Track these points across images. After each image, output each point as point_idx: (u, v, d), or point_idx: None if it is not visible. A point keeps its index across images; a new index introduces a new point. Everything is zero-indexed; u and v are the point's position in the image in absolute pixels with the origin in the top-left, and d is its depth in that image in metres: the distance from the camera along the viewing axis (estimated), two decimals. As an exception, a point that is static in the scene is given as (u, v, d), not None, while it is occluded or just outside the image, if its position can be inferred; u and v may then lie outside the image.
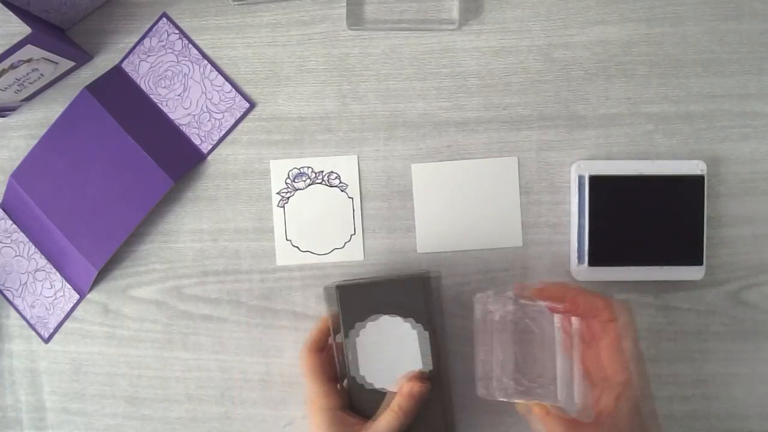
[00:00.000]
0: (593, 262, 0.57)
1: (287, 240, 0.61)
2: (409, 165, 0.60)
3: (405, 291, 0.50)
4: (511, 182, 0.59)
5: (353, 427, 0.48)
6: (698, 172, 0.57)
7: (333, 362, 0.52)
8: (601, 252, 0.57)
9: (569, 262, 0.58)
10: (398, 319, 0.50)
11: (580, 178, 0.57)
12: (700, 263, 0.57)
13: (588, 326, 0.48)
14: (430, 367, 0.50)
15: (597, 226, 0.57)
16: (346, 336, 0.50)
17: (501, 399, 0.48)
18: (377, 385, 0.50)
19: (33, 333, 0.62)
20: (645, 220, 0.56)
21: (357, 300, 0.50)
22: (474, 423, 0.59)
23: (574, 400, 0.47)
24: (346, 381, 0.50)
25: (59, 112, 0.60)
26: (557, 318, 0.49)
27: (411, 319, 0.50)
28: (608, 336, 0.46)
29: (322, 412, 0.49)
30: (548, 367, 0.48)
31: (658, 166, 0.57)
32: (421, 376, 0.49)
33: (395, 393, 0.49)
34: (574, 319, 0.48)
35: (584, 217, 0.57)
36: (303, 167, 0.61)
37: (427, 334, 0.50)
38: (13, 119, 0.63)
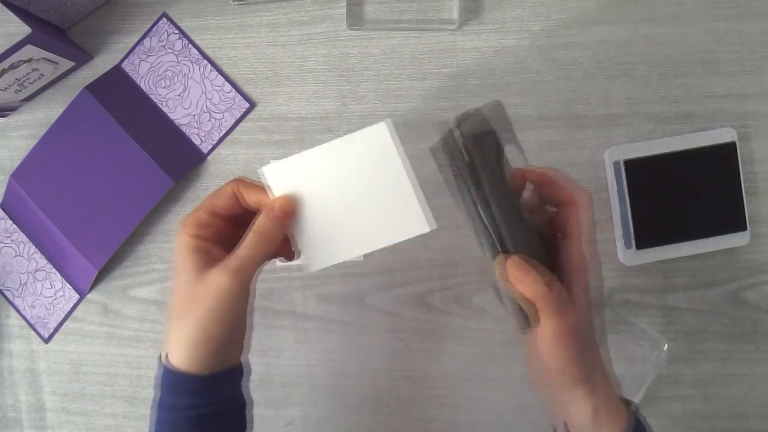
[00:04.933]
0: (640, 245, 0.57)
1: (287, 240, 0.60)
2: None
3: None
4: (390, 153, 0.47)
5: (215, 255, 0.42)
6: (728, 140, 0.57)
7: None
8: (646, 234, 0.57)
9: (616, 250, 0.58)
10: None
11: (615, 165, 0.57)
12: (744, 228, 0.57)
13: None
14: None
15: (639, 209, 0.57)
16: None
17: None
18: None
19: (33, 333, 0.62)
20: (684, 195, 0.57)
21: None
22: (474, 423, 0.59)
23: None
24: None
25: (59, 112, 0.60)
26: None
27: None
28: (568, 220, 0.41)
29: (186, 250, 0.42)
30: None
31: (688, 140, 0.57)
32: (284, 201, 0.43)
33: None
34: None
35: (625, 202, 0.57)
36: (303, 167, 0.61)
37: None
38: (13, 119, 0.63)
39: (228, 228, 0.43)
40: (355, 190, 0.43)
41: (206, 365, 0.42)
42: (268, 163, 0.45)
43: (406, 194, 0.43)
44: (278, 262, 0.60)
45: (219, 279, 0.40)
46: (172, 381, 0.42)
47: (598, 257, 0.43)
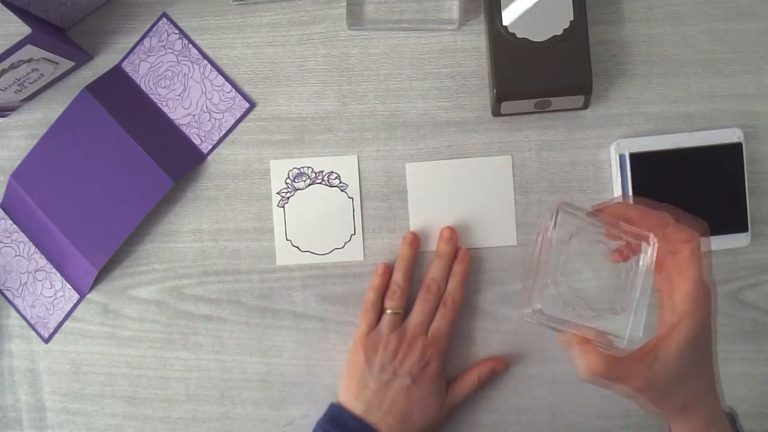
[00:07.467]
0: None
1: (287, 240, 0.61)
2: (404, 164, 0.60)
3: None
4: (505, 181, 0.59)
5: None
6: (735, 140, 0.57)
7: None
8: None
9: None
10: None
11: (621, 157, 0.57)
12: (746, 230, 0.57)
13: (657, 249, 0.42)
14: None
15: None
16: None
17: (538, 318, 0.43)
18: (520, 35, 0.54)
19: (33, 333, 0.62)
20: (687, 192, 0.57)
21: None
22: (474, 423, 0.59)
23: (630, 332, 0.42)
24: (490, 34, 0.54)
25: (59, 112, 0.60)
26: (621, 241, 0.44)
27: None
28: (677, 259, 0.41)
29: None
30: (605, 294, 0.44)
31: (695, 137, 0.57)
32: (500, 360, 0.58)
33: None
34: (652, 239, 0.42)
35: (628, 195, 0.57)
36: (303, 167, 0.61)
37: None
38: (13, 119, 0.63)
39: None
40: (467, 197, 0.59)
41: None
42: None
43: (508, 212, 0.59)
44: (278, 262, 0.61)
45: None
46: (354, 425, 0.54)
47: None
